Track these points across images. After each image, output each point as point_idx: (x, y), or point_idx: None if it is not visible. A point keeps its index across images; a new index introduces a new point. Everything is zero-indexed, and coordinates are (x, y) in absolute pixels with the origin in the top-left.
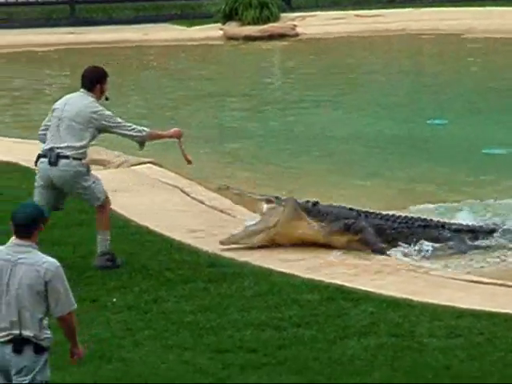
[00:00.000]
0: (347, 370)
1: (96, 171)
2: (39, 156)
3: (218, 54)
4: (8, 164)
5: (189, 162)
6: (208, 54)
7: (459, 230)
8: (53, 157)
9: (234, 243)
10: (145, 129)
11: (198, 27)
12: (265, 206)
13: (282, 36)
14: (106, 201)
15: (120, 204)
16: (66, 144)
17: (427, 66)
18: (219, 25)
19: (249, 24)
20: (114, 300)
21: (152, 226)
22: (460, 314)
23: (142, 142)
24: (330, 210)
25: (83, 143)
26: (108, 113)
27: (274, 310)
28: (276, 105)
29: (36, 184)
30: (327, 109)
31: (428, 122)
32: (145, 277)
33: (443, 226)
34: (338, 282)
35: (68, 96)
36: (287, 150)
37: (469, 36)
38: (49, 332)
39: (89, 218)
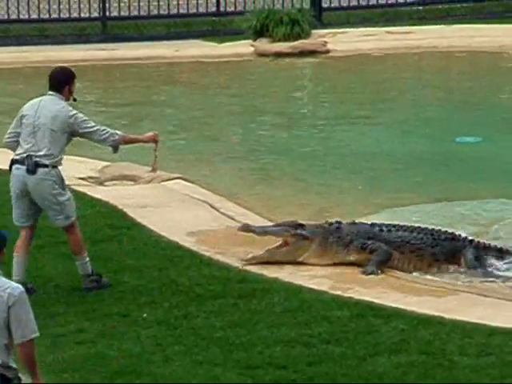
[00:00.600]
0: None
1: (126, 187)
2: (13, 161)
3: (249, 71)
4: None
5: (154, 170)
6: (238, 70)
7: (487, 248)
8: (31, 165)
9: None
10: (117, 132)
11: (228, 43)
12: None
13: (312, 52)
14: (75, 223)
15: (150, 219)
16: (44, 152)
17: (459, 83)
18: (250, 41)
19: (279, 40)
20: (145, 315)
21: (182, 242)
22: (491, 332)
23: (115, 147)
24: (352, 230)
25: (61, 150)
26: (82, 116)
27: (303, 326)
28: (306, 121)
29: (12, 192)
30: (358, 125)
31: (457, 139)
32: (175, 292)
33: (470, 241)
34: (368, 298)
35: (36, 100)
36: (317, 166)
37: (501, 53)
38: (14, 365)
39: (118, 233)
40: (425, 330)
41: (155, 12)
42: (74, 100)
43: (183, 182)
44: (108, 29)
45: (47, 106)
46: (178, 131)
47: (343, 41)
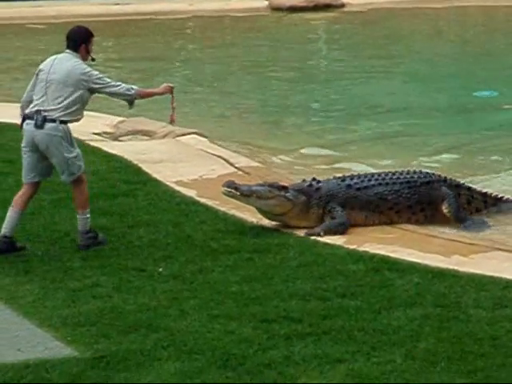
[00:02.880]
0: (392, 340)
1: (141, 142)
2: (25, 117)
3: (263, 25)
4: None
5: (172, 121)
6: (252, 25)
7: (500, 199)
8: (39, 119)
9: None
10: (133, 87)
11: None
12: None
13: (327, 7)
14: (82, 178)
15: (165, 174)
16: (52, 107)
17: (475, 37)
18: None
19: None
20: (160, 269)
21: (197, 197)
22: (506, 284)
23: (131, 101)
24: (330, 190)
25: (71, 105)
26: (96, 73)
27: (318, 280)
28: (321, 76)
29: (22, 148)
30: (373, 80)
31: (475, 93)
32: (190, 247)
33: (484, 194)
34: (383, 252)
35: (53, 57)
36: (332, 120)
37: None
38: None
39: (134, 188)
40: (440, 284)
41: None
42: (93, 60)
43: (198, 136)
44: None
45: (61, 63)
46: (192, 86)
47: None
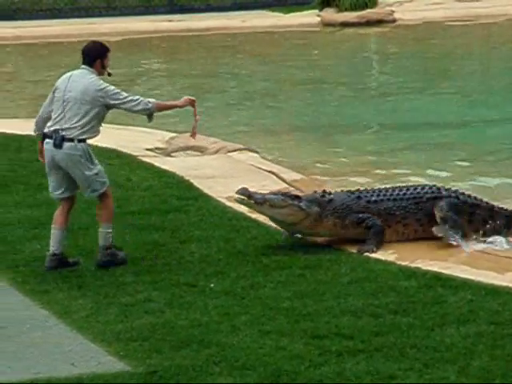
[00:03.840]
0: (445, 358)
1: (193, 158)
2: (44, 136)
3: (315, 41)
4: (107, 150)
5: (193, 135)
6: (304, 40)
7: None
8: (57, 139)
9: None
10: (150, 100)
11: (294, 14)
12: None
13: (379, 22)
14: (107, 192)
15: (216, 190)
16: (70, 125)
17: None
18: (316, 11)
19: (346, 10)
20: (212, 285)
21: (248, 212)
22: None
23: (150, 115)
24: (343, 202)
25: (89, 122)
26: (112, 88)
27: (370, 296)
28: (373, 91)
29: (46, 167)
30: (424, 95)
31: None
32: (241, 262)
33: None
34: (435, 269)
35: (68, 74)
36: (384, 136)
37: None
38: None
39: (186, 203)
40: (493, 301)
41: None
42: (109, 75)
43: (249, 152)
44: (175, 0)
45: (77, 80)
46: (243, 102)
47: (410, 9)
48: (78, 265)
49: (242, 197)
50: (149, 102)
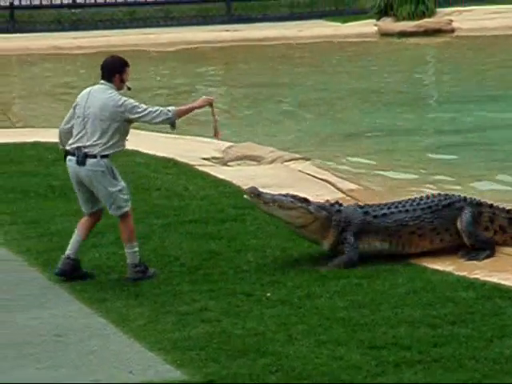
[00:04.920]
0: (505, 370)
1: (249, 167)
2: (66, 153)
3: (372, 50)
4: (165, 160)
5: (216, 135)
6: (361, 50)
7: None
8: (80, 156)
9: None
10: (169, 108)
11: (351, 23)
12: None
13: (437, 31)
14: (128, 212)
15: None
16: (92, 142)
17: None
18: (374, 21)
19: (404, 19)
20: (268, 294)
21: None
22: None
23: (172, 123)
24: (348, 216)
25: (111, 138)
26: (131, 101)
27: (428, 307)
28: (430, 101)
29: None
30: (485, 106)
31: None
32: (298, 272)
33: (508, 211)
34: (495, 280)
35: (88, 90)
36: (441, 146)
37: None
38: None
39: (242, 212)
40: None
41: None
42: (129, 89)
43: (305, 161)
44: (232, 10)
45: (96, 96)
46: (299, 112)
47: (469, 19)
48: (88, 278)
49: (251, 196)
50: (168, 110)
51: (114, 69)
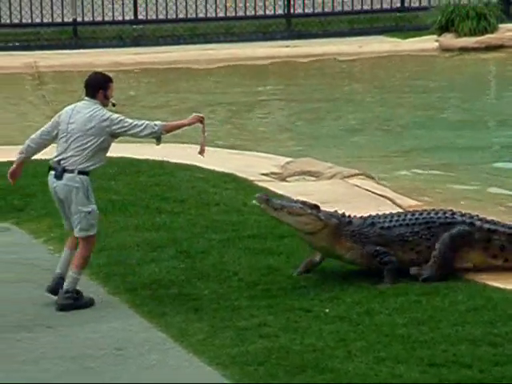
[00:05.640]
0: None
1: (308, 182)
2: (50, 168)
3: (433, 66)
4: (224, 175)
5: (202, 152)
6: (422, 66)
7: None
8: (59, 170)
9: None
10: (156, 123)
11: (412, 39)
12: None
13: (499, 47)
14: (91, 239)
15: None
16: (72, 156)
17: None
18: (434, 36)
19: (465, 35)
20: (327, 310)
21: None
22: None
23: (158, 138)
24: (360, 227)
25: (91, 153)
26: (116, 116)
27: (488, 325)
28: (492, 118)
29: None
30: None
31: None
32: (357, 289)
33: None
34: None
35: (72, 106)
36: (503, 162)
37: None
38: None
39: None
40: None
41: (339, 8)
42: (113, 105)
43: (365, 177)
44: (292, 26)
45: (80, 111)
46: (359, 128)
47: None
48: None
49: (260, 202)
50: (155, 124)
51: (97, 85)
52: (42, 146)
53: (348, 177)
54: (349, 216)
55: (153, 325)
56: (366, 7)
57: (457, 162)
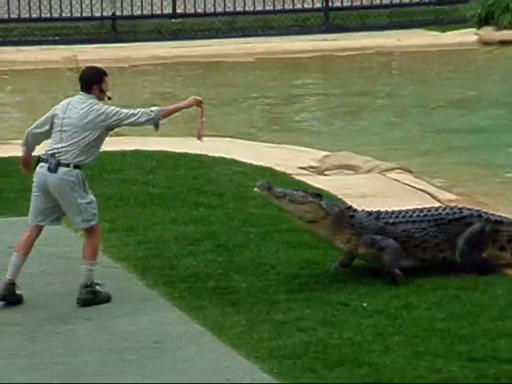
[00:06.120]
0: None
1: (346, 176)
2: (39, 159)
3: (472, 60)
4: (262, 169)
5: (199, 138)
6: (461, 59)
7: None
8: (53, 163)
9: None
10: (152, 109)
11: (451, 32)
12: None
13: None
14: (96, 228)
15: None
16: (67, 150)
17: None
18: (474, 30)
19: (505, 28)
20: (365, 304)
21: None
22: None
23: (156, 124)
24: (362, 220)
25: (86, 147)
26: (112, 108)
27: None
28: None
29: (33, 190)
30: None
31: None
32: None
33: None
34: None
35: (67, 100)
36: None
37: None
38: None
39: None
40: None
41: (377, 2)
42: (109, 98)
43: (403, 171)
44: (330, 19)
45: (75, 107)
46: (397, 122)
47: None
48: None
49: (262, 189)
50: (151, 111)
51: (91, 79)
52: (38, 138)
53: (386, 171)
54: (355, 210)
55: (191, 318)
56: (404, 0)
57: (496, 156)
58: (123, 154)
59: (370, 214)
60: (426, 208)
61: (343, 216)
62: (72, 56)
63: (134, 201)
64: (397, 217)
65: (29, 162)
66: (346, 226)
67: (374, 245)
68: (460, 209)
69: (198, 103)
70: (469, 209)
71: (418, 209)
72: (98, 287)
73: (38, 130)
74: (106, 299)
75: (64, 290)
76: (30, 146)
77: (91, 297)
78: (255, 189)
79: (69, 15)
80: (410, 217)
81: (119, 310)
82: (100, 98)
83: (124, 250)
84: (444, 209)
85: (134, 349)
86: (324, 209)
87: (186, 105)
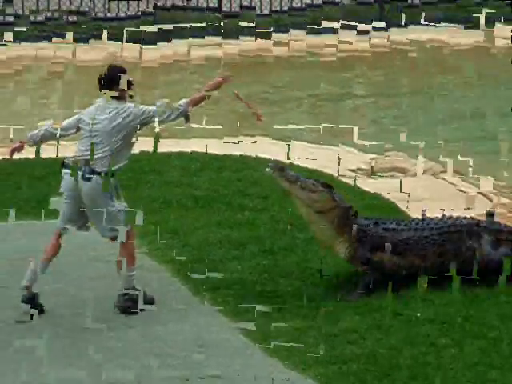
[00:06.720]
0: None
1: (396, 179)
2: (65, 164)
3: None
4: (308, 170)
5: (259, 118)
6: None
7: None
8: (87, 171)
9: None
10: (181, 103)
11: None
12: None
13: None
14: (130, 234)
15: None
16: (101, 157)
17: None
18: None
19: None
20: (418, 314)
21: None
22: None
23: (185, 116)
24: (363, 225)
25: (118, 151)
26: (138, 108)
27: None
28: None
29: (64, 195)
30: None
31: None
32: (448, 292)
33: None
34: None
35: (95, 106)
36: None
37: None
38: None
39: None
40: None
41: None
42: (131, 97)
43: (456, 174)
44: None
45: (102, 110)
46: (450, 121)
47: None
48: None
49: (274, 169)
50: (180, 105)
51: (113, 79)
52: (50, 139)
53: (438, 173)
54: (356, 211)
55: (234, 324)
56: None
57: None
58: (168, 155)
59: (368, 219)
60: (427, 217)
61: (348, 213)
62: (118, 54)
63: (177, 203)
64: (398, 224)
65: (18, 152)
66: (348, 223)
67: (364, 265)
68: (460, 219)
69: (225, 80)
70: (464, 218)
71: (417, 218)
72: (138, 292)
73: (60, 132)
74: (150, 302)
75: (105, 294)
76: (38, 141)
77: (130, 304)
78: (267, 169)
79: (114, 14)
80: (410, 224)
81: (162, 314)
82: (122, 97)
83: (168, 253)
84: (443, 218)
85: (177, 355)
86: (335, 200)
87: (212, 86)
